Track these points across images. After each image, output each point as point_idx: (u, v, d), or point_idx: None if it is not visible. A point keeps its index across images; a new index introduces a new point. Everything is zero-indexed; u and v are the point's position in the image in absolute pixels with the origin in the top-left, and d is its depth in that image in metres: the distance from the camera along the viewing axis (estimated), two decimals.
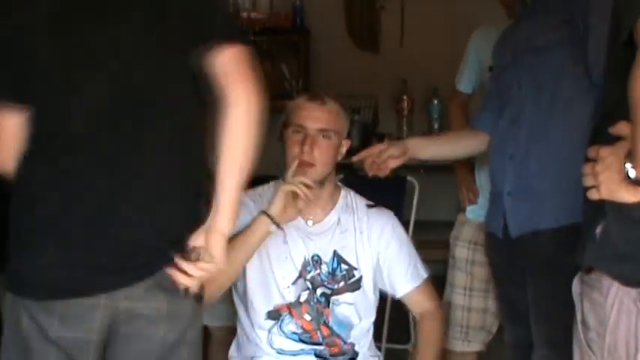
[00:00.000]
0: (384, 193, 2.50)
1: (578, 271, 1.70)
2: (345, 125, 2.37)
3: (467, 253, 2.90)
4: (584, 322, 1.59)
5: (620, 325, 1.49)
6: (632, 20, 1.37)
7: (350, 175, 3.05)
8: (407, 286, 2.39)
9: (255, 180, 2.32)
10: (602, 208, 1.49)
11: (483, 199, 2.88)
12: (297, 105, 2.33)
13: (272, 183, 2.40)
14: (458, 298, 2.90)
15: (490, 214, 2.54)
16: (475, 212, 2.95)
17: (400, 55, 5.15)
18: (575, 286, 1.64)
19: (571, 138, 2.19)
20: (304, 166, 2.26)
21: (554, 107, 2.29)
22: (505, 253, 2.47)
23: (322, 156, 2.28)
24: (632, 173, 1.36)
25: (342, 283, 2.33)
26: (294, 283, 2.30)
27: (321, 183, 2.31)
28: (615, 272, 1.50)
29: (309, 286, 2.31)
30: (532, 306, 2.33)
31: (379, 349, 2.52)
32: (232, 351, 2.42)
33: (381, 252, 2.37)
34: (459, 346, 2.94)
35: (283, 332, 2.29)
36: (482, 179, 2.95)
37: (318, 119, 2.29)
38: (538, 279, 2.34)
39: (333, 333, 2.31)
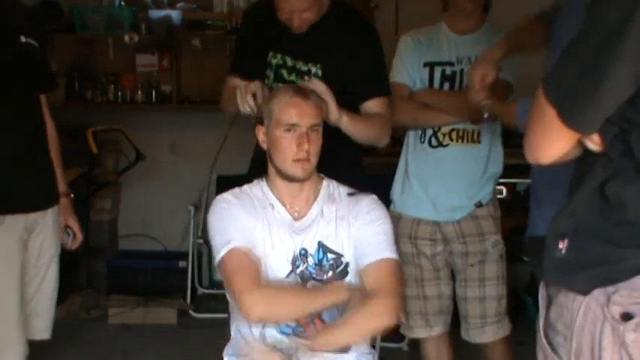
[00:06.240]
0: (378, 189, 2.49)
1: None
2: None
3: (410, 248, 2.94)
4: (551, 326, 1.57)
5: (585, 330, 1.47)
6: None
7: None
8: (375, 255, 2.26)
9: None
10: (569, 223, 1.50)
11: (414, 194, 2.95)
12: (284, 102, 2.31)
13: (255, 182, 2.40)
14: (411, 290, 2.95)
15: None
16: (405, 206, 2.98)
17: (394, 54, 5.12)
18: (542, 288, 1.61)
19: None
20: (302, 162, 2.28)
21: None
22: None
23: (315, 149, 2.31)
24: None
25: (330, 273, 2.32)
26: (287, 276, 2.31)
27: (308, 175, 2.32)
28: (574, 286, 1.50)
29: (299, 280, 2.31)
30: None
31: (373, 347, 2.51)
32: (227, 351, 2.42)
33: (354, 228, 2.31)
34: (422, 332, 3.01)
35: (277, 326, 2.30)
36: (411, 174, 3.00)
37: (310, 116, 2.30)
38: None
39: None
